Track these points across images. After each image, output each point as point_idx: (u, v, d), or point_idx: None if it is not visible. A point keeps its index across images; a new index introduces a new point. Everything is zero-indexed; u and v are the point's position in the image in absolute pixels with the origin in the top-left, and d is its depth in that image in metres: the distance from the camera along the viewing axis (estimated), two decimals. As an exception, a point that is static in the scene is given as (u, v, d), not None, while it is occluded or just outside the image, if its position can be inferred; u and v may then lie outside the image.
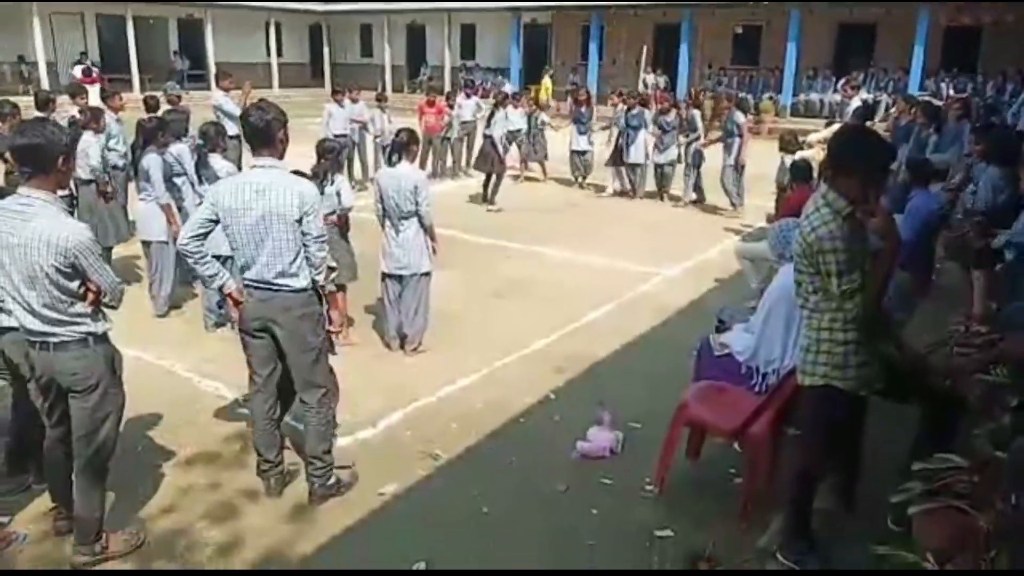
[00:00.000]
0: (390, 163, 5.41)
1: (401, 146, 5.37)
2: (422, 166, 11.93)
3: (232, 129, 8.79)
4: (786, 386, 3.48)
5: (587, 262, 8.09)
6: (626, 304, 6.77)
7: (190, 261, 3.44)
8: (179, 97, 9.99)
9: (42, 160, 2.80)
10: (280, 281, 3.41)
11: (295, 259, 3.40)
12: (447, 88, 17.90)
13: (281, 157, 3.46)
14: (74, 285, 2.88)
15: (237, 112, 9.80)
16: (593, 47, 23.42)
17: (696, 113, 11.45)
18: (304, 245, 3.41)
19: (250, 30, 27.20)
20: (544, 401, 4.84)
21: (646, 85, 21.46)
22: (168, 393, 4.77)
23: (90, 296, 2.92)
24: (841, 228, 2.66)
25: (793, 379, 3.28)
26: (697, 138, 10.93)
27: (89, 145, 6.54)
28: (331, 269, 3.67)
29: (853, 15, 19.85)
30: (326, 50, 29.52)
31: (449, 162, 12.81)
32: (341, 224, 5.55)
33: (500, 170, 10.89)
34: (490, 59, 26.99)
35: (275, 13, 27.49)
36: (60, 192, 3.10)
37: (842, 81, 19.47)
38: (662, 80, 22.20)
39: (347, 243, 5.66)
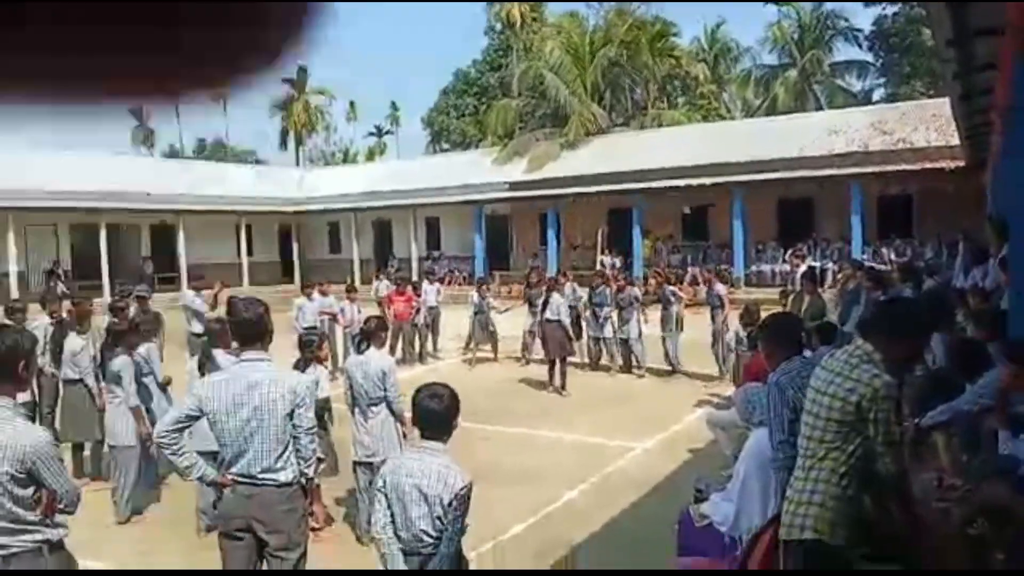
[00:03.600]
0: (358, 350, 5.50)
1: (369, 333, 5.49)
2: (392, 352, 12.07)
3: (197, 327, 8.92)
4: (756, 549, 3.41)
5: (563, 440, 8.04)
6: (604, 481, 6.67)
7: (167, 453, 3.40)
8: (147, 298, 10.11)
9: (2, 367, 2.82)
10: (265, 476, 3.36)
11: (283, 453, 3.39)
12: (415, 278, 18.49)
13: (266, 349, 3.53)
14: (29, 492, 2.80)
15: (205, 310, 9.98)
16: (551, 233, 24.62)
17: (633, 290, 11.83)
18: (295, 438, 3.41)
19: (221, 231, 28.16)
20: (526, 590, 4.63)
21: (603, 265, 22.44)
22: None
23: (43, 503, 2.83)
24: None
25: (765, 539, 3.22)
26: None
27: (77, 346, 6.58)
28: (320, 460, 3.64)
29: (790, 191, 21.34)
30: (295, 247, 30.50)
31: (417, 347, 12.98)
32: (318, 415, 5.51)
33: (567, 353, 10.70)
34: (455, 248, 28.11)
35: (246, 216, 28.59)
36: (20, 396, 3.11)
37: (788, 252, 20.84)
38: (617, 260, 23.19)
39: (327, 434, 5.60)
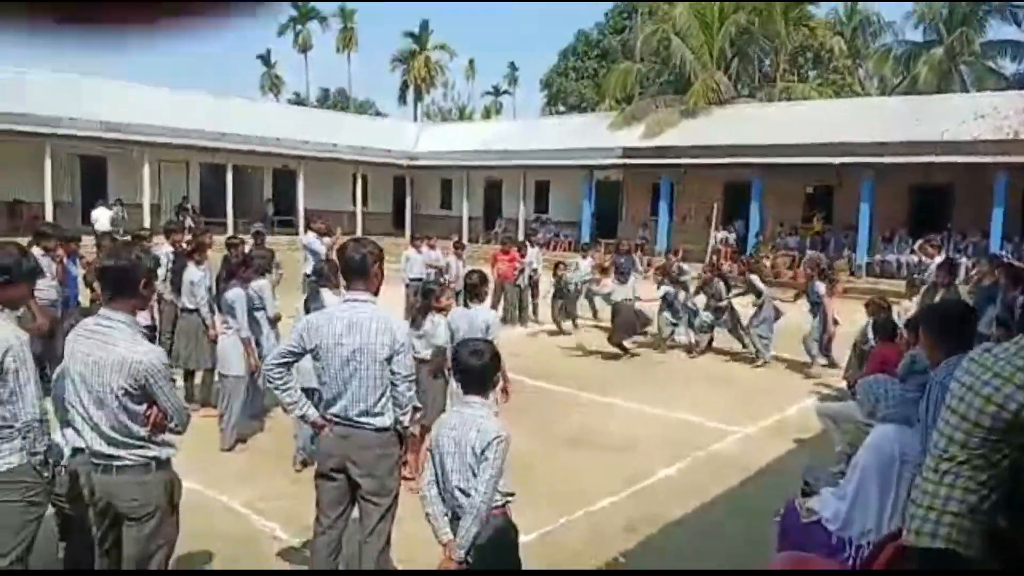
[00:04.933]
0: (465, 304, 5.47)
1: (473, 286, 5.46)
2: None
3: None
4: (882, 556, 3.13)
5: (658, 415, 7.81)
6: (701, 462, 6.42)
7: (272, 386, 3.46)
8: (262, 235, 10.48)
9: (125, 283, 2.88)
10: (363, 419, 3.36)
11: (381, 397, 3.37)
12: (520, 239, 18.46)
13: (376, 292, 3.50)
14: (141, 408, 2.88)
15: (322, 252, 10.23)
16: (663, 204, 23.97)
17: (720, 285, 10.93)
18: (392, 384, 3.38)
19: (339, 180, 28.99)
20: (612, 565, 4.50)
21: (716, 242, 21.71)
22: (223, 530, 4.64)
23: (153, 419, 2.90)
24: None
25: (889, 549, 2.95)
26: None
27: (195, 276, 6.88)
28: (416, 410, 3.61)
29: (926, 177, 19.87)
30: (408, 201, 31.07)
31: (518, 308, 12.94)
32: (437, 366, 5.52)
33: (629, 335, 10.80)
34: (562, 213, 27.88)
35: (363, 166, 29.29)
36: (140, 317, 3.19)
37: (919, 242, 19.42)
38: (731, 237, 22.37)
39: (444, 382, 5.59)
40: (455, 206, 30.25)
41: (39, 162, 21.35)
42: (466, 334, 5.22)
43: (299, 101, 52.25)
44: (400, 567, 4.14)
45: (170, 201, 25.74)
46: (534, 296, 13.13)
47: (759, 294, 10.50)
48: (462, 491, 2.90)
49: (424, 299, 5.65)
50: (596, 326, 12.80)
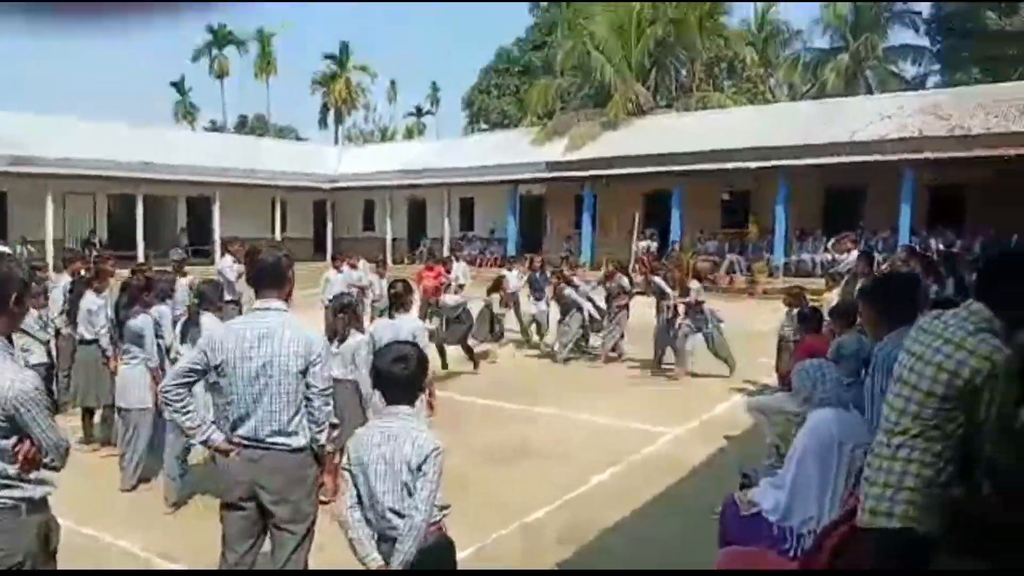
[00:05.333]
0: (389, 315, 5.20)
1: (398, 296, 5.20)
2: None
3: (228, 296, 8.72)
4: (826, 544, 3.00)
5: (588, 421, 7.66)
6: (633, 465, 6.27)
7: (170, 410, 3.12)
8: (181, 263, 9.85)
9: None
10: (275, 440, 3.05)
11: (295, 415, 3.07)
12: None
13: (287, 301, 3.21)
14: (8, 443, 2.50)
15: (233, 278, 9.76)
16: (586, 216, 24.13)
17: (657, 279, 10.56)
18: (307, 399, 3.09)
19: (256, 206, 28.17)
20: (548, 577, 4.28)
21: (639, 251, 21.91)
22: (122, 577, 4.22)
23: (24, 454, 2.52)
24: None
25: (835, 535, 2.82)
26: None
27: (94, 304, 6.36)
28: (333, 427, 3.31)
29: (838, 178, 20.53)
30: (329, 225, 30.43)
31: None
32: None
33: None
34: (487, 230, 27.76)
35: (281, 191, 28.57)
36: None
37: (833, 239, 20.02)
38: (653, 246, 22.58)
39: (362, 409, 5.28)
40: (378, 227, 29.80)
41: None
42: None
43: (216, 129, 50.86)
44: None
45: (77, 235, 24.51)
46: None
47: (663, 295, 10.15)
48: (395, 512, 2.62)
49: (342, 313, 5.35)
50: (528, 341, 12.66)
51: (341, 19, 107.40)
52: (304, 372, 3.06)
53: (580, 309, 10.65)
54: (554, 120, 28.55)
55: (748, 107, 29.08)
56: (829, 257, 19.62)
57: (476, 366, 10.12)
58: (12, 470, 2.52)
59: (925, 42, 39.00)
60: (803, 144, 19.83)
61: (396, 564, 2.58)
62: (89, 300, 6.45)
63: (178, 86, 53.26)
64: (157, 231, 25.79)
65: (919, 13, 38.61)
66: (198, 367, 3.10)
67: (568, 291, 10.73)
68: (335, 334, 5.32)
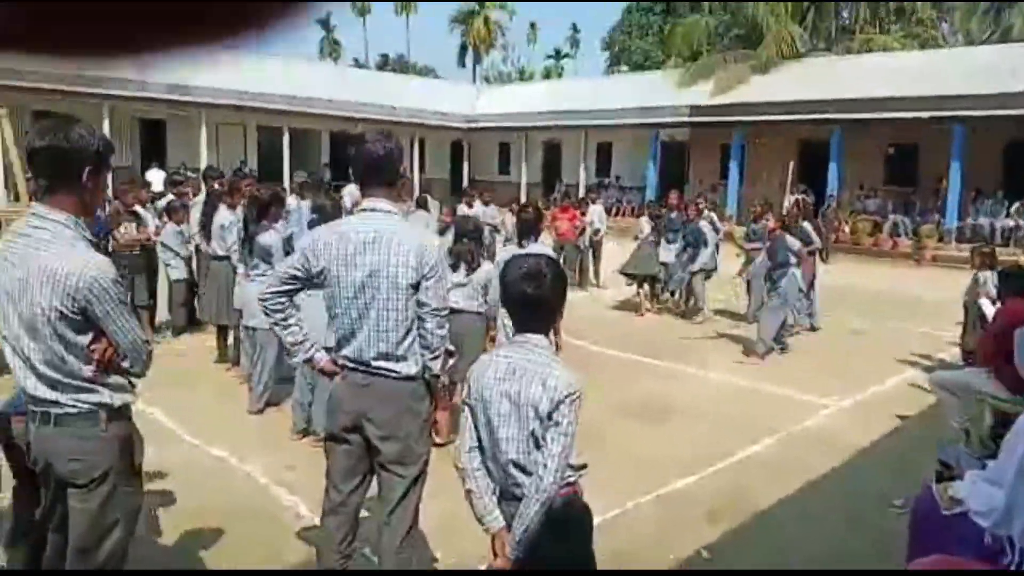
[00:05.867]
0: (519, 244, 4.73)
1: (527, 222, 4.72)
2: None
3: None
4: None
5: (740, 386, 6.96)
6: (790, 439, 5.57)
7: (269, 320, 2.76)
8: (303, 185, 9.68)
9: (62, 170, 2.19)
10: (382, 364, 2.63)
11: (405, 337, 2.63)
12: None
13: (398, 202, 2.78)
14: (83, 339, 2.19)
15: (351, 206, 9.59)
16: (733, 166, 22.67)
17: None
18: (420, 319, 2.64)
19: (397, 144, 28.39)
20: (693, 561, 3.74)
21: (791, 205, 20.35)
22: (242, 504, 4.05)
23: (100, 354, 2.21)
24: None
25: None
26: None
27: (226, 220, 6.29)
28: (449, 354, 2.85)
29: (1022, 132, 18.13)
30: (466, 166, 30.37)
31: (578, 271, 12.12)
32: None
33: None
34: (626, 177, 26.76)
35: (421, 129, 28.68)
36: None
37: (1018, 204, 17.77)
38: (810, 199, 20.90)
39: (484, 326, 4.96)
40: (513, 171, 29.41)
41: (97, 125, 21.32)
42: None
43: (359, 66, 51.83)
44: (436, 554, 3.48)
45: (230, 165, 25.61)
46: (596, 259, 12.27)
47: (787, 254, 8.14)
48: (519, 467, 2.15)
49: (468, 238, 4.94)
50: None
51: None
52: (416, 287, 2.60)
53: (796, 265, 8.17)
54: (700, 62, 26.85)
55: (918, 51, 26.19)
56: (1011, 223, 17.48)
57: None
58: (88, 371, 2.22)
59: None
60: (982, 94, 17.55)
61: (519, 532, 2.11)
62: (222, 215, 6.38)
63: (324, 23, 54.52)
64: (304, 164, 26.51)
65: None
66: (299, 273, 2.69)
67: (789, 240, 8.17)
68: (460, 260, 4.92)
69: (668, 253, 10.15)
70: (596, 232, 12.03)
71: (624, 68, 40.26)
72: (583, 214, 11.91)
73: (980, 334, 6.49)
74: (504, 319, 4.50)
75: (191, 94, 22.63)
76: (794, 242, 8.23)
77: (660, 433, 5.59)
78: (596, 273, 12.27)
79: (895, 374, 7.58)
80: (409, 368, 2.65)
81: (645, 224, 10.72)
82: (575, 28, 59.40)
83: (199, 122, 23.20)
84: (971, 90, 17.82)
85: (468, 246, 4.87)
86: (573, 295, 10.62)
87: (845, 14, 31.30)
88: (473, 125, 29.89)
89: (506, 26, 49.59)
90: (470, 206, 10.91)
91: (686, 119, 23.44)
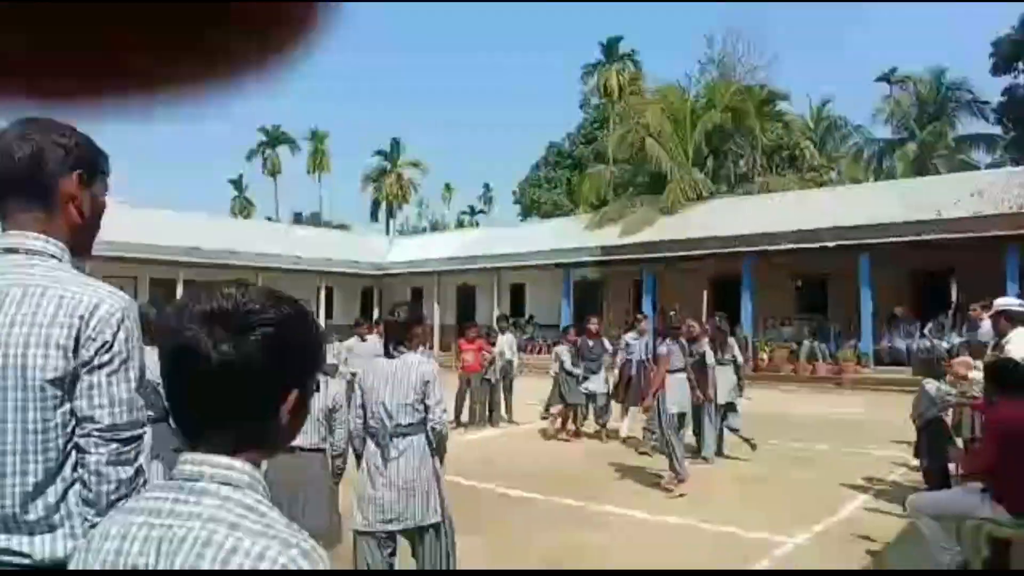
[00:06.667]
0: (388, 354, 3.58)
1: (401, 327, 3.59)
2: (458, 413, 10.09)
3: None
4: None
5: (671, 525, 5.76)
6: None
7: None
8: None
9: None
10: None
11: (48, 485, 1.41)
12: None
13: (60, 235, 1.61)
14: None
15: None
16: (647, 300, 22.40)
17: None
18: (78, 448, 1.42)
19: (301, 293, 27.22)
20: None
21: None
22: None
23: None
24: None
25: None
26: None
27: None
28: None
29: (928, 260, 18.54)
30: (376, 311, 29.34)
31: (487, 406, 10.90)
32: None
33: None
34: (540, 316, 26.24)
35: (328, 277, 27.77)
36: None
37: (927, 326, 17.82)
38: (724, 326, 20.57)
39: (330, 488, 3.68)
40: (427, 314, 28.51)
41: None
42: (387, 399, 3.36)
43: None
44: None
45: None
46: (508, 392, 11.12)
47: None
48: None
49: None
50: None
51: (390, 122, 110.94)
52: (64, 385, 1.40)
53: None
54: (608, 206, 27.36)
55: (819, 189, 27.40)
56: (928, 343, 17.44)
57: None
58: None
59: (997, 130, 37.19)
60: (885, 223, 18.03)
61: None
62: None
63: (236, 183, 54.39)
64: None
65: (987, 103, 36.95)
66: None
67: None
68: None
69: (595, 382, 9.64)
70: (508, 363, 10.96)
71: (535, 219, 41.08)
72: (493, 344, 10.87)
73: (957, 448, 5.63)
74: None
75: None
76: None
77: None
78: (508, 407, 11.09)
79: (848, 501, 6.54)
80: (52, 547, 1.40)
81: (564, 352, 10.00)
82: (487, 187, 61.13)
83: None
84: (875, 219, 18.28)
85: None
86: (483, 433, 9.40)
87: (742, 162, 32.98)
88: (384, 271, 29.22)
89: (418, 182, 50.53)
90: (362, 339, 9.71)
91: (598, 258, 23.36)
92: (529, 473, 7.57)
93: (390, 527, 3.38)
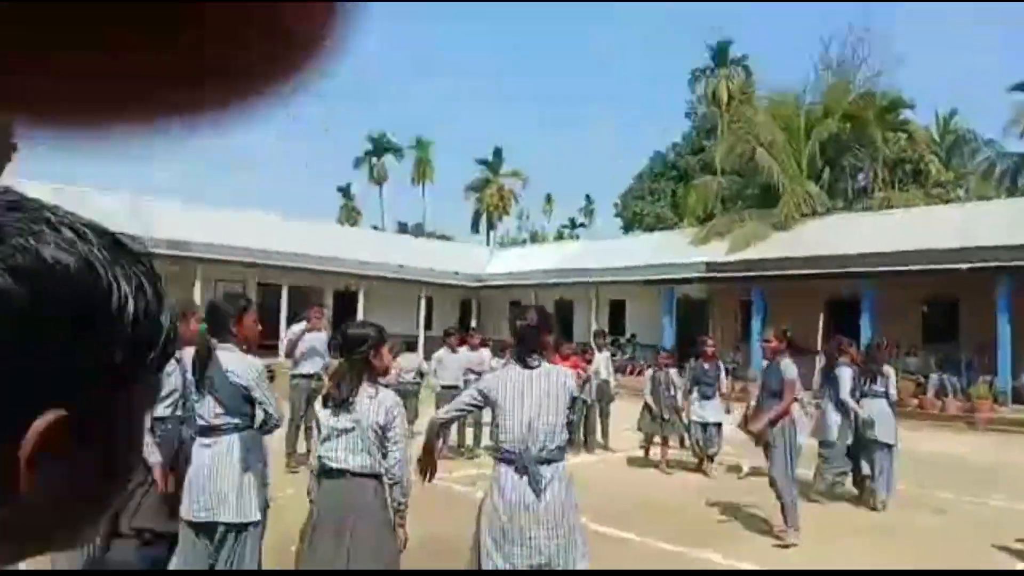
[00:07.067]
0: (520, 362, 3.12)
1: (533, 333, 3.15)
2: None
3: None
4: None
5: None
6: None
7: None
8: None
9: None
10: None
11: None
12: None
13: None
14: None
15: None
16: (757, 322, 21.17)
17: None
18: None
19: (402, 302, 27.49)
20: None
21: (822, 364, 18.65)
22: None
23: None
24: None
25: None
26: None
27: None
28: None
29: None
30: (473, 322, 29.24)
31: (582, 429, 10.30)
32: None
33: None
34: (642, 335, 25.36)
35: (428, 287, 27.87)
36: None
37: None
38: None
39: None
40: (523, 329, 28.17)
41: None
42: (532, 412, 2.96)
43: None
44: None
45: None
46: (604, 415, 10.49)
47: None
48: None
49: (351, 358, 3.36)
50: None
51: (493, 130, 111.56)
52: None
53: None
54: (716, 220, 26.22)
55: (944, 205, 25.36)
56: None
57: None
58: None
59: None
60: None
61: None
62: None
63: (344, 191, 55.94)
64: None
65: None
66: None
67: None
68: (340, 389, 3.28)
69: (707, 409, 8.82)
70: (604, 383, 10.35)
71: (638, 232, 40.14)
72: (588, 362, 10.28)
73: None
74: None
75: (189, 249, 22.03)
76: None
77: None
78: (604, 432, 10.45)
79: (1011, 566, 5.59)
80: None
81: (675, 376, 9.56)
82: (588, 199, 60.41)
83: (194, 276, 22.40)
84: (1009, 240, 16.60)
85: (352, 364, 3.19)
86: (577, 459, 8.81)
87: (860, 176, 31.03)
88: (483, 284, 29.11)
89: (519, 194, 50.45)
90: (453, 350, 9.35)
91: (703, 274, 22.33)
92: (623, 509, 6.94)
93: (537, 565, 2.92)
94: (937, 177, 33.77)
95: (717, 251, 23.19)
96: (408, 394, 11.08)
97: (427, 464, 3.18)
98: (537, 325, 3.15)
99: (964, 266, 16.87)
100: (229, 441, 3.31)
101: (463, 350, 9.38)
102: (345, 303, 27.06)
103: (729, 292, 22.75)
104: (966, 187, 37.69)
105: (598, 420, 10.38)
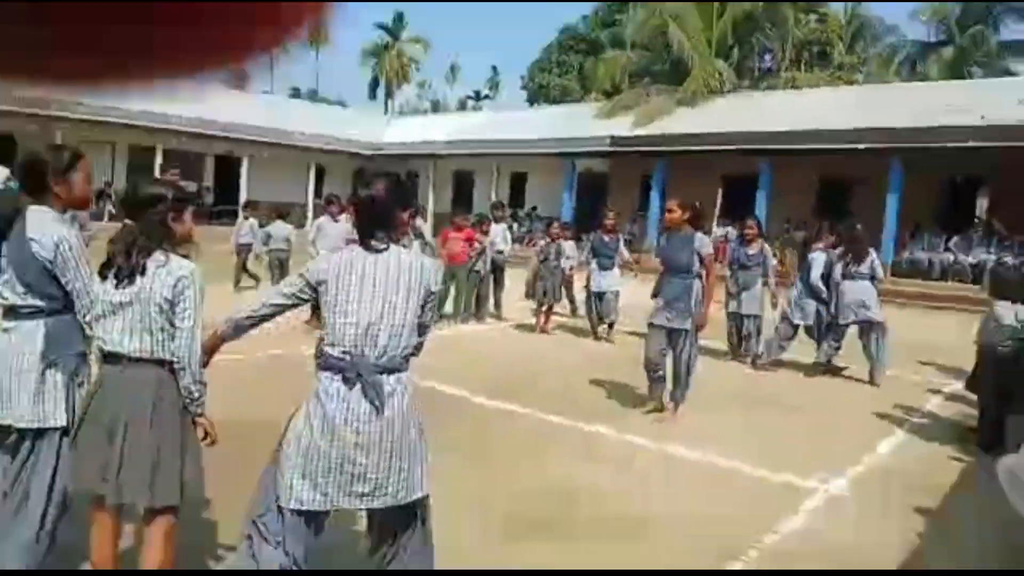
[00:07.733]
0: (366, 245, 2.38)
1: (382, 208, 2.44)
2: (441, 305, 9.02)
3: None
4: None
5: (688, 462, 4.74)
6: (785, 550, 3.36)
7: None
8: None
9: None
10: None
11: None
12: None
13: None
14: None
15: None
16: (655, 196, 21.07)
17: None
18: None
19: (290, 171, 25.88)
20: None
21: (716, 238, 18.81)
22: None
23: None
24: None
25: None
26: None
27: None
28: None
29: (959, 168, 17.12)
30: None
31: (473, 300, 9.84)
32: None
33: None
34: (541, 208, 24.95)
35: (319, 155, 26.28)
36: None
37: (951, 239, 16.65)
38: (732, 232, 19.43)
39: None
40: (420, 199, 27.18)
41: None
42: (359, 316, 2.24)
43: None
44: None
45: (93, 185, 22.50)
46: (498, 285, 10.05)
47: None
48: None
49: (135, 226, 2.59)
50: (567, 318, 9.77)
51: None
52: None
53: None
54: (622, 95, 25.51)
55: (848, 87, 25.52)
56: (951, 258, 16.32)
57: None
58: None
59: (1043, 38, 34.63)
60: (920, 127, 16.50)
61: None
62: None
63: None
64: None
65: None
66: None
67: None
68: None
69: (607, 279, 8.83)
70: (499, 254, 9.83)
71: (543, 105, 38.97)
72: (485, 233, 9.67)
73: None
74: None
75: (48, 107, 19.65)
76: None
77: (564, 552, 3.28)
78: (497, 303, 10.05)
79: (887, 435, 5.55)
80: None
81: (567, 247, 9.44)
82: (495, 70, 58.32)
83: (53, 138, 20.11)
84: (908, 123, 16.76)
85: (146, 227, 2.38)
86: (468, 329, 8.36)
87: (768, 56, 30.77)
88: (379, 152, 27.66)
89: (421, 61, 47.80)
90: (334, 219, 8.53)
91: (607, 148, 21.84)
92: (515, 380, 6.55)
93: (363, 504, 2.28)
94: (840, 60, 33.97)
95: (622, 126, 22.64)
96: (280, 262, 10.31)
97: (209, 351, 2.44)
98: (386, 198, 2.39)
99: (862, 146, 17.02)
100: (31, 328, 2.52)
101: (344, 218, 8.53)
102: (228, 169, 25.24)
103: (631, 166, 22.45)
104: (867, 71, 38.23)
105: (491, 290, 9.92)
